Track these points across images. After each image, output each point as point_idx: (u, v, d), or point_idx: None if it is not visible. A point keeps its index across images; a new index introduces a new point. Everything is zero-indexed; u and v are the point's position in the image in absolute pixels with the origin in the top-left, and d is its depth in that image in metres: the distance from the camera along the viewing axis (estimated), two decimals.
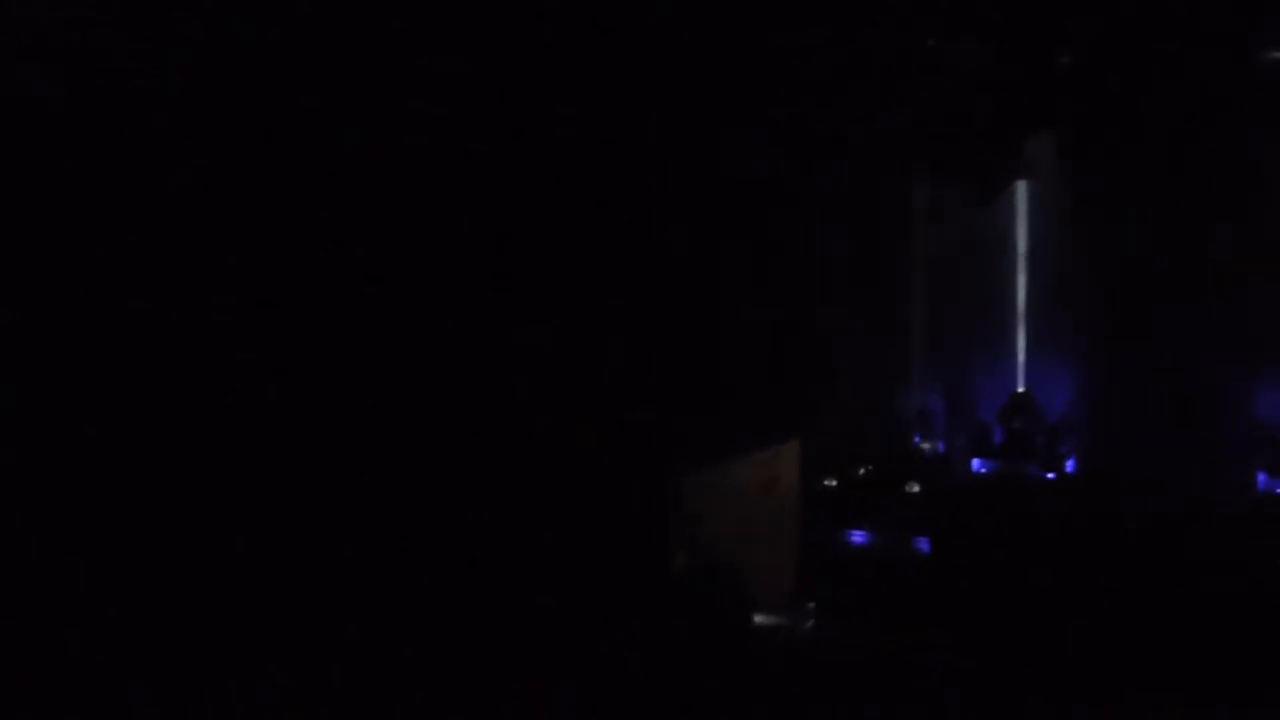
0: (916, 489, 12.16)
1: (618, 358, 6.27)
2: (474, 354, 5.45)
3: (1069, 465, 13.32)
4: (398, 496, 5.11)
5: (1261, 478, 12.06)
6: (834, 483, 12.01)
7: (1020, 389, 14.03)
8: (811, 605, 9.18)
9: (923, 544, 11.03)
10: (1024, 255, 13.99)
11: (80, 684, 4.20)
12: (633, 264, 6.55)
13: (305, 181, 4.89)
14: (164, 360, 4.51)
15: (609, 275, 6.23)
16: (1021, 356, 14.14)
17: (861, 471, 12.63)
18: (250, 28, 4.68)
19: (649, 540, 6.30)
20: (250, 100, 4.71)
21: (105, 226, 4.38)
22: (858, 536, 11.35)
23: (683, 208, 7.75)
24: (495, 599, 5.35)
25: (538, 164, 5.71)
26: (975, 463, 13.57)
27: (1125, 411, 13.03)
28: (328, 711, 4.80)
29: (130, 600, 4.37)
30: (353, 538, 4.96)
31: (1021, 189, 13.79)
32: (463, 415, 5.37)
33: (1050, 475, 13.05)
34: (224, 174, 4.65)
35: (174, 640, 4.45)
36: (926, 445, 14.19)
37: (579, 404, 5.88)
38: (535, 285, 5.74)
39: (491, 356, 5.50)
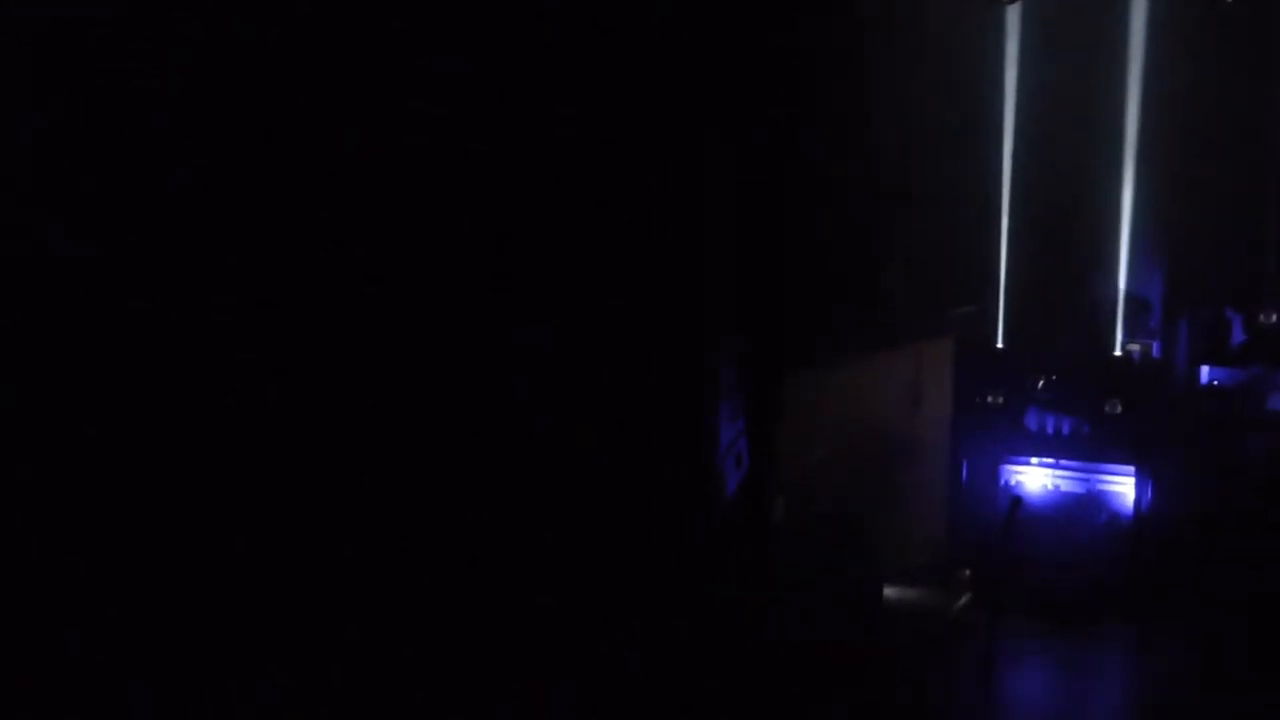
0: (1119, 409, 8.92)
1: (618, 355, 6.26)
2: (474, 354, 5.45)
3: None
4: (398, 496, 5.11)
5: None
6: (1000, 399, 9.11)
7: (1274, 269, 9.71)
8: (965, 574, 7.23)
9: (1125, 489, 8.33)
10: None
11: (80, 684, 4.20)
12: (633, 259, 6.53)
13: (305, 181, 4.89)
14: (164, 360, 4.51)
15: (609, 275, 6.22)
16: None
17: (1040, 384, 9.32)
18: (250, 28, 4.68)
19: (650, 538, 6.29)
20: (250, 100, 4.71)
21: (104, 226, 4.39)
22: (1032, 475, 8.52)
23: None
24: (495, 599, 5.35)
25: (538, 164, 5.71)
26: (1204, 370, 9.42)
27: None
28: (328, 711, 4.80)
29: (130, 600, 4.37)
30: (353, 538, 4.96)
31: None
32: (463, 415, 5.38)
33: None
34: (224, 174, 4.65)
35: (174, 640, 4.46)
36: (1135, 347, 9.92)
37: (579, 404, 5.88)
38: (535, 285, 5.73)
39: (491, 356, 5.50)
